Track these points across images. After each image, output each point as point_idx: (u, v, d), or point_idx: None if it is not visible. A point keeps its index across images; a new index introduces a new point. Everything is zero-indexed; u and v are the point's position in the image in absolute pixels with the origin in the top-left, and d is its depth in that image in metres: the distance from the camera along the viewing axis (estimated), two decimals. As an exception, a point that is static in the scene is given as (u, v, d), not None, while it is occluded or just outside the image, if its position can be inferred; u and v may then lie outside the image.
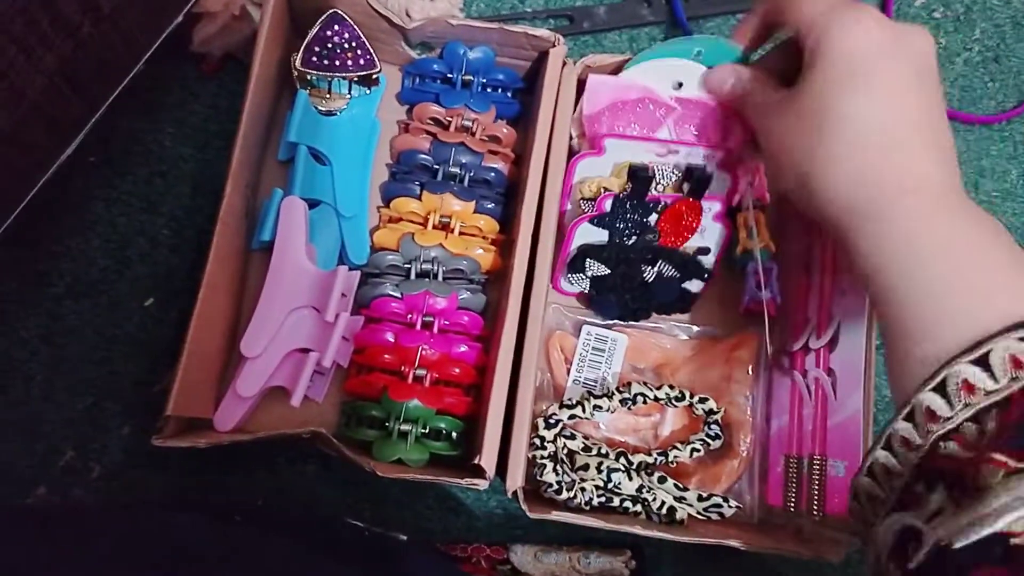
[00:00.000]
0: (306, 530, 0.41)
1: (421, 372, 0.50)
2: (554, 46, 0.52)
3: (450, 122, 0.55)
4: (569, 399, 0.51)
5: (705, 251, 0.54)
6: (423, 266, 0.52)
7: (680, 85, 0.53)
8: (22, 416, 0.50)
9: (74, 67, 0.40)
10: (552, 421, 0.49)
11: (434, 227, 0.53)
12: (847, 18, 0.37)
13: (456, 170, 0.54)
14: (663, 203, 0.52)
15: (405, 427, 0.48)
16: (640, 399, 0.51)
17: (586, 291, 0.54)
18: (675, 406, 0.52)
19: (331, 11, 0.52)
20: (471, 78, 0.55)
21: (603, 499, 0.48)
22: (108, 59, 0.43)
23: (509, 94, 0.57)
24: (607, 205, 0.51)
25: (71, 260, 0.53)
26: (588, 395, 0.51)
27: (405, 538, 0.48)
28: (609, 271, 0.52)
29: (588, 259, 0.52)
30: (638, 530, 0.47)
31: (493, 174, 0.55)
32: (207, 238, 0.46)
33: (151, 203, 0.54)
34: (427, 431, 0.49)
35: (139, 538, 0.29)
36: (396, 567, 0.40)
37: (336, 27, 0.53)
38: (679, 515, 0.49)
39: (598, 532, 0.54)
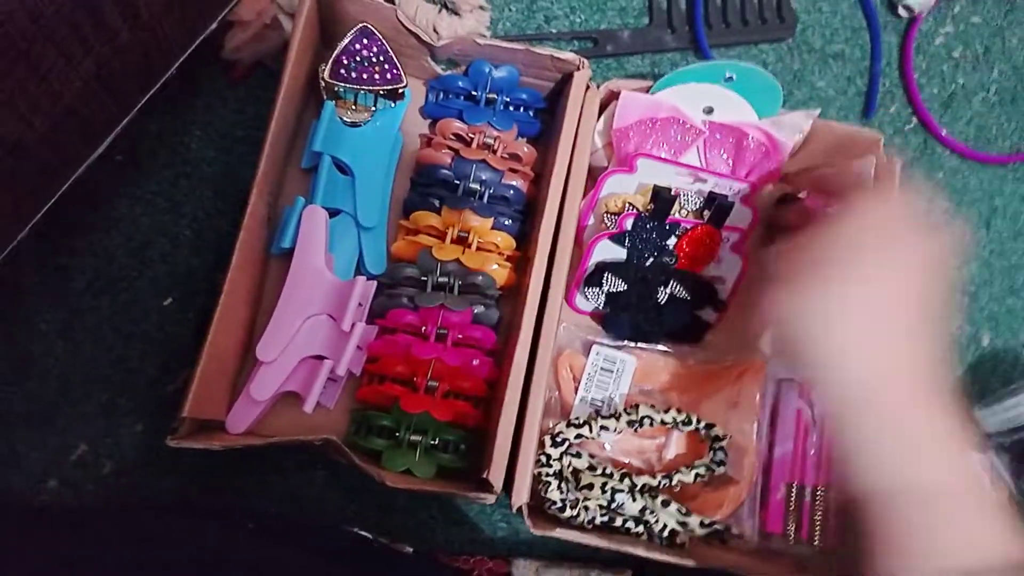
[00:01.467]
0: (316, 539, 0.41)
1: (433, 384, 0.49)
2: (579, 69, 0.52)
3: (472, 138, 0.55)
4: (576, 418, 0.51)
5: (720, 280, 0.54)
6: (439, 279, 0.52)
7: (711, 110, 0.53)
8: (37, 409, 0.50)
9: (110, 72, 0.40)
10: (559, 440, 0.49)
11: (452, 241, 0.53)
12: (882, 195, 0.37)
13: (476, 186, 0.54)
14: (683, 227, 0.52)
15: (415, 438, 0.48)
16: (647, 421, 0.51)
17: (600, 308, 0.54)
18: (682, 430, 0.52)
19: (362, 25, 0.52)
20: (495, 96, 0.55)
21: (606, 519, 0.48)
22: (143, 64, 0.44)
23: (531, 113, 0.57)
24: (628, 224, 0.51)
25: (93, 256, 0.53)
26: (595, 415, 0.51)
27: (412, 550, 0.48)
28: (626, 287, 0.52)
29: (606, 274, 0.52)
30: (640, 551, 0.46)
31: (512, 192, 0.55)
32: (227, 240, 0.46)
33: (174, 204, 0.54)
34: (436, 442, 0.49)
35: (156, 545, 0.29)
36: None
37: (366, 40, 0.53)
38: (680, 539, 0.49)
39: (600, 550, 0.54)
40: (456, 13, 0.56)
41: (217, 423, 0.48)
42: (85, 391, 0.51)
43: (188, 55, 0.49)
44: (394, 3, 0.52)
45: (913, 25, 0.63)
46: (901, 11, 0.63)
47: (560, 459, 0.49)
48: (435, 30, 0.55)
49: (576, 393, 0.54)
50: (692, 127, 0.52)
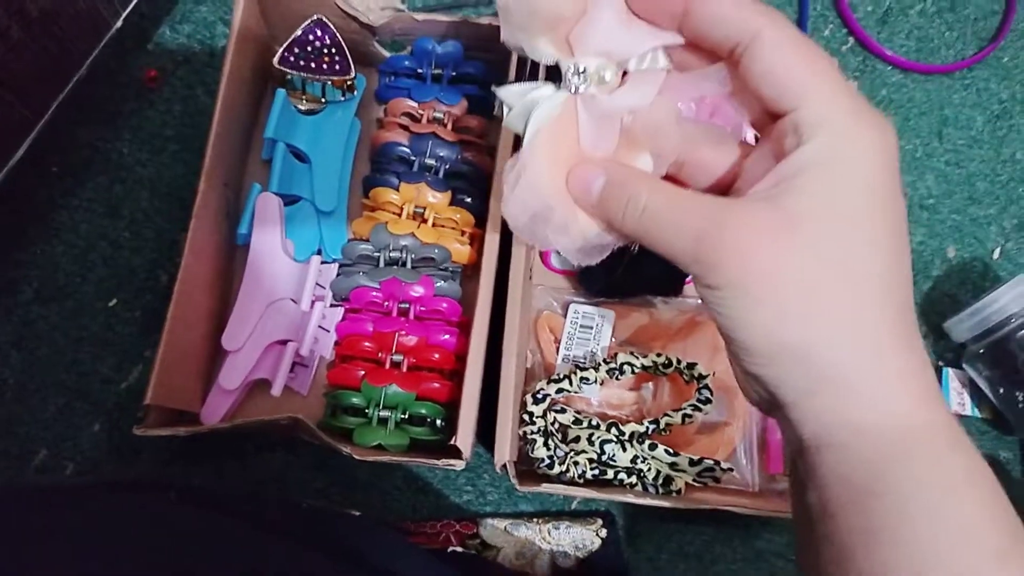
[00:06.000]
0: (244, 506, 0.36)
1: (398, 358, 0.46)
2: (518, 34, 0.49)
3: (422, 115, 0.52)
4: (557, 374, 0.46)
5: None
6: (391, 254, 0.48)
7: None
8: (-5, 420, 0.47)
9: (8, 71, 0.37)
10: (540, 396, 0.45)
11: (408, 217, 0.49)
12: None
13: (432, 162, 0.50)
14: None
15: (384, 413, 0.44)
16: (627, 368, 0.46)
17: (575, 266, 0.50)
18: (663, 373, 0.47)
19: (316, 16, 0.49)
20: (441, 72, 0.52)
21: (597, 472, 0.44)
22: (45, 64, 0.40)
23: (486, 87, 0.54)
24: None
25: (37, 267, 0.50)
26: (575, 368, 0.47)
27: (358, 514, 0.44)
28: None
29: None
30: (631, 499, 0.42)
31: (469, 167, 0.51)
32: (167, 238, 0.42)
33: (111, 208, 0.51)
34: (408, 417, 0.45)
35: (65, 515, 0.26)
36: (337, 539, 0.35)
37: (319, 32, 0.50)
38: (675, 485, 0.44)
39: (569, 503, 0.49)
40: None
41: (191, 415, 0.44)
42: (41, 397, 0.48)
43: (106, 58, 0.45)
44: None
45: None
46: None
47: (544, 416, 0.44)
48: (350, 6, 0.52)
49: (558, 353, 0.50)
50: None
